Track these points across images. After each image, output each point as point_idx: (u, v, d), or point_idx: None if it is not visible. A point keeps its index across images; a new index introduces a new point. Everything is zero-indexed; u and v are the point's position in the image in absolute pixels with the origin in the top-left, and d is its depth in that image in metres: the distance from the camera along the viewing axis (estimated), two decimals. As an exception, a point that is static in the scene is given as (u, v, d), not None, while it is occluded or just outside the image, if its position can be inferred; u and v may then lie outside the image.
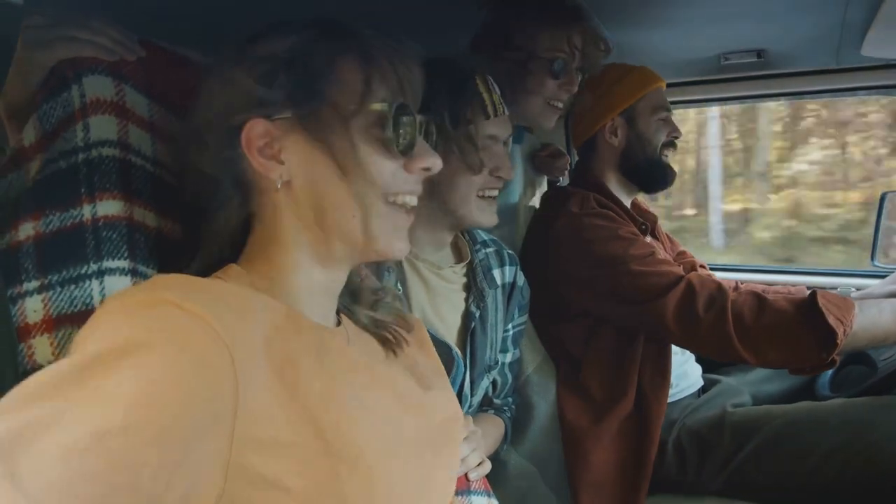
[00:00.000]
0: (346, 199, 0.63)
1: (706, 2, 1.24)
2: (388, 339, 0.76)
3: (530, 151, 1.65)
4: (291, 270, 0.65)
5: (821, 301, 1.11)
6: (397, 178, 0.65)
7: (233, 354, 0.51)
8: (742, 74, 1.83)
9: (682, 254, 1.74)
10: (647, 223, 1.48)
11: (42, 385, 0.45)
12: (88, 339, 0.49)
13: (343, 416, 0.59)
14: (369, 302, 0.78)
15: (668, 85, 1.55)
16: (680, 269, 1.25)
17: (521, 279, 1.25)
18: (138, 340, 0.48)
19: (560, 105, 1.36)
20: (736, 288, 1.67)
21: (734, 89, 1.90)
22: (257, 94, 0.61)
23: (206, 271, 0.63)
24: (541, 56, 1.29)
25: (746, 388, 1.59)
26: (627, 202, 1.50)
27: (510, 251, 1.26)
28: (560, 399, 1.36)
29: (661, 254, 1.30)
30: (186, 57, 0.77)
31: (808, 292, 1.15)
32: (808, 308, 1.11)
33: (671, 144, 1.48)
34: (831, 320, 1.08)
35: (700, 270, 1.70)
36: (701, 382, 1.54)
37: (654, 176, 1.49)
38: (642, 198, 1.67)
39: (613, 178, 1.49)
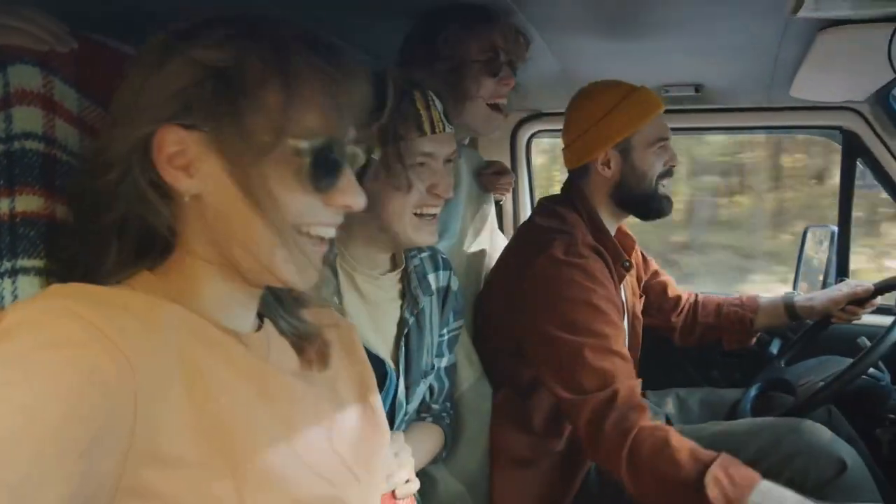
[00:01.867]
0: (253, 226, 0.59)
1: (649, 34, 1.28)
2: (309, 355, 0.72)
3: (476, 168, 1.67)
4: (202, 280, 0.62)
5: (716, 472, 1.05)
6: (314, 210, 0.61)
7: (133, 367, 0.49)
8: (683, 107, 1.91)
9: (655, 273, 1.75)
10: (630, 260, 1.43)
11: None
12: None
13: (251, 433, 0.57)
14: (293, 309, 0.74)
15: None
16: (621, 370, 1.19)
17: (455, 284, 1.25)
18: (22, 354, 0.46)
19: (503, 104, 1.34)
20: (695, 302, 1.72)
21: (677, 121, 1.97)
22: (181, 98, 0.57)
23: (117, 275, 0.60)
24: (474, 60, 1.26)
25: (662, 411, 1.65)
26: (614, 228, 1.45)
27: (444, 255, 1.25)
28: (496, 423, 1.35)
29: (618, 341, 1.24)
30: (121, 50, 0.74)
31: (715, 456, 1.07)
32: (701, 473, 1.05)
33: (668, 174, 1.42)
34: (713, 495, 1.03)
35: (670, 290, 1.72)
36: None
37: (650, 207, 1.42)
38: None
39: (604, 205, 1.43)
